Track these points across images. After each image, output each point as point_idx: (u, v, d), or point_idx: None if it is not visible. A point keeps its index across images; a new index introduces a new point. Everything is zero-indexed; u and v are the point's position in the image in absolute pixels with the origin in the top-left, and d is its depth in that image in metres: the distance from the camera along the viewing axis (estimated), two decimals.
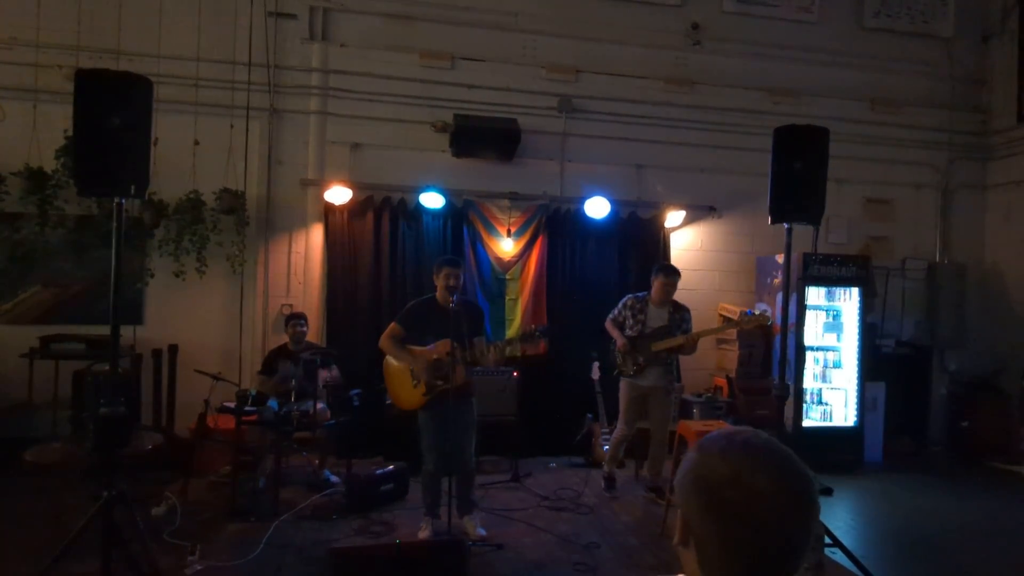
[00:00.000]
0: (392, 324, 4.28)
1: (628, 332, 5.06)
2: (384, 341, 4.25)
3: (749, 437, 1.02)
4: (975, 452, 6.67)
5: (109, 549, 3.15)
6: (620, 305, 5.19)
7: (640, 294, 5.17)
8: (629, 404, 5.10)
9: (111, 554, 3.16)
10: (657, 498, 5.01)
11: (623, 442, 5.25)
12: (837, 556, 3.79)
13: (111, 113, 3.20)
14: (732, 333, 6.58)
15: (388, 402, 5.60)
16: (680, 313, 5.09)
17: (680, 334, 4.96)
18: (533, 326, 4.53)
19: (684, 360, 6.55)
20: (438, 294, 4.29)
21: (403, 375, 4.22)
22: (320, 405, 4.91)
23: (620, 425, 5.19)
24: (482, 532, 4.26)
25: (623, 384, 5.12)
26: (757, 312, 5.01)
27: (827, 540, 3.71)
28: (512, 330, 6.22)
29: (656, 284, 5.03)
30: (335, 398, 5.11)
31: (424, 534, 4.17)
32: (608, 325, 5.20)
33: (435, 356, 4.13)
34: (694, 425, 4.72)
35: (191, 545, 3.78)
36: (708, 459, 0.99)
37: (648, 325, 5.03)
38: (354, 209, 6.11)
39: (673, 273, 5.08)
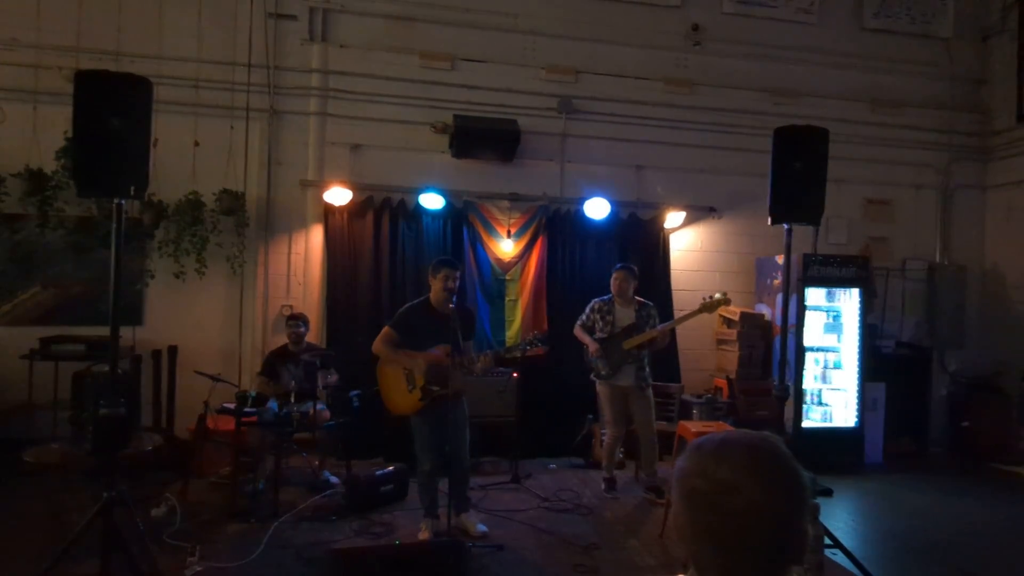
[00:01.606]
0: (386, 328, 4.26)
1: (599, 334, 5.14)
2: (378, 345, 4.23)
3: (733, 436, 1.06)
4: (975, 453, 6.66)
5: (109, 550, 3.15)
6: (588, 309, 5.29)
7: (605, 296, 5.27)
8: (611, 406, 5.16)
9: (111, 555, 3.16)
10: (656, 498, 5.01)
11: (616, 444, 5.29)
12: (838, 557, 3.79)
13: (111, 114, 3.21)
14: (732, 334, 6.58)
15: None
16: (646, 310, 5.20)
17: (648, 329, 5.05)
18: (534, 333, 4.53)
19: (684, 361, 6.59)
20: (432, 296, 4.27)
21: (398, 380, 4.21)
22: (320, 406, 4.91)
23: (609, 428, 5.23)
24: (482, 529, 4.27)
25: (601, 387, 5.20)
26: (717, 296, 5.12)
27: (827, 541, 3.70)
28: (512, 331, 6.22)
29: (612, 280, 5.20)
30: (335, 399, 5.11)
31: (424, 535, 4.17)
32: (577, 331, 5.27)
33: (432, 361, 4.12)
34: (694, 426, 4.72)
35: (191, 546, 3.78)
36: (687, 455, 1.06)
37: (617, 325, 5.12)
38: (354, 210, 6.11)
39: (624, 269, 5.22)
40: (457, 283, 4.23)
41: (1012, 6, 7.33)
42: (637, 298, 5.23)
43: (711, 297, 5.14)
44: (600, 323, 5.18)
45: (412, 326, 4.21)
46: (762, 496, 0.96)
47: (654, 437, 5.15)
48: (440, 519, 4.19)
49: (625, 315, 5.16)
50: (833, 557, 3.81)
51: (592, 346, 5.11)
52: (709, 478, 0.99)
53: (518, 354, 4.58)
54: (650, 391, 5.20)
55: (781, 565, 0.98)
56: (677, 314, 6.40)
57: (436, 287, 4.23)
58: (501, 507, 4.81)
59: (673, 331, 6.11)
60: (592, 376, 5.26)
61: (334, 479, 5.08)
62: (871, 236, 7.31)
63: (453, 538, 3.90)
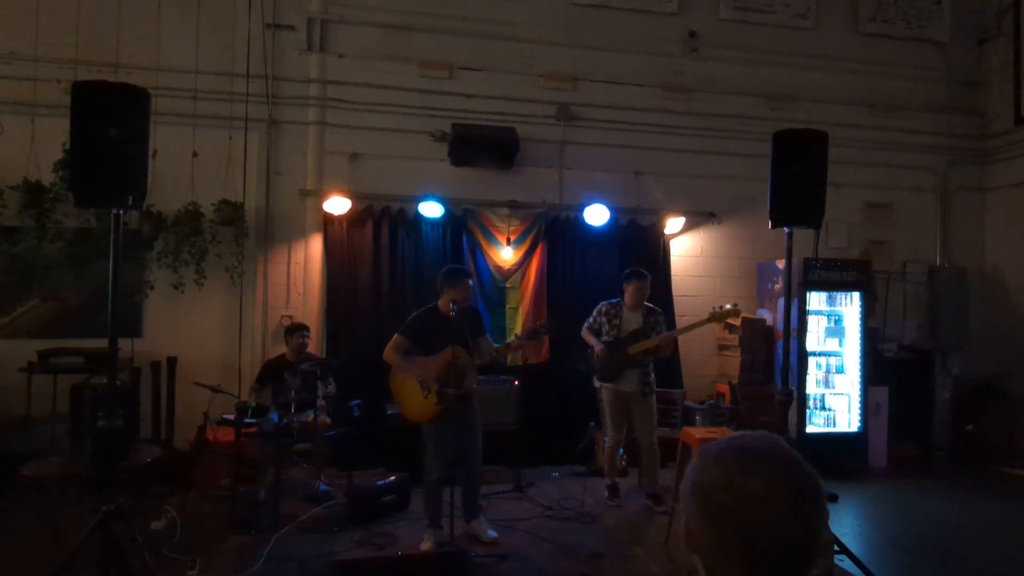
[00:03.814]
0: (396, 336, 4.25)
1: (604, 337, 5.12)
2: (388, 354, 4.22)
3: (748, 441, 1.01)
4: (979, 456, 6.63)
5: (108, 564, 3.12)
6: (595, 312, 5.26)
7: (613, 300, 5.23)
8: (613, 410, 5.13)
9: (110, 569, 3.13)
10: (654, 505, 4.98)
11: (616, 449, 5.26)
12: (844, 563, 3.75)
13: (109, 125, 3.20)
14: (734, 339, 6.56)
15: (389, 412, 5.59)
16: (654, 316, 5.15)
17: (655, 335, 5.00)
18: (539, 322, 4.52)
19: (686, 367, 6.56)
20: (441, 303, 4.26)
21: (412, 387, 4.20)
22: (320, 416, 4.88)
23: (610, 432, 5.20)
24: (493, 534, 4.26)
25: (604, 391, 5.17)
26: (728, 306, 5.05)
27: (834, 547, 3.67)
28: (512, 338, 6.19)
29: (630, 290, 5.10)
30: (335, 409, 5.08)
31: (426, 546, 4.13)
32: (584, 333, 5.25)
33: (442, 364, 4.12)
34: (697, 432, 4.69)
35: (191, 559, 3.74)
36: (705, 464, 1.00)
37: (624, 329, 5.08)
38: (353, 219, 6.11)
39: (644, 277, 5.15)
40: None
41: (1008, 9, 7.36)
42: (646, 303, 5.18)
43: (721, 307, 5.09)
44: (606, 326, 5.14)
45: (422, 332, 4.22)
46: (792, 506, 0.93)
47: (654, 445, 5.10)
48: (443, 529, 4.15)
49: (632, 320, 5.11)
50: (840, 563, 3.77)
51: (597, 347, 5.08)
52: (737, 492, 0.94)
53: (520, 353, 4.56)
54: (653, 398, 5.15)
55: (802, 572, 0.95)
56: (678, 320, 6.40)
57: (456, 296, 4.19)
58: (504, 516, 4.78)
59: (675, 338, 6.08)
60: (595, 379, 5.23)
61: (323, 487, 5.02)
62: (871, 240, 7.31)
63: (456, 548, 3.87)
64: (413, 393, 4.19)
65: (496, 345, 4.48)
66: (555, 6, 6.67)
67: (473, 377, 4.21)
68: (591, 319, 5.26)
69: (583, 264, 6.52)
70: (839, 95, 7.19)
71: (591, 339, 5.17)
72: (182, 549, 3.94)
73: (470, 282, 4.34)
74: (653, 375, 5.16)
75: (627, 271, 5.24)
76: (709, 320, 5.14)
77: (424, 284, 6.14)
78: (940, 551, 4.45)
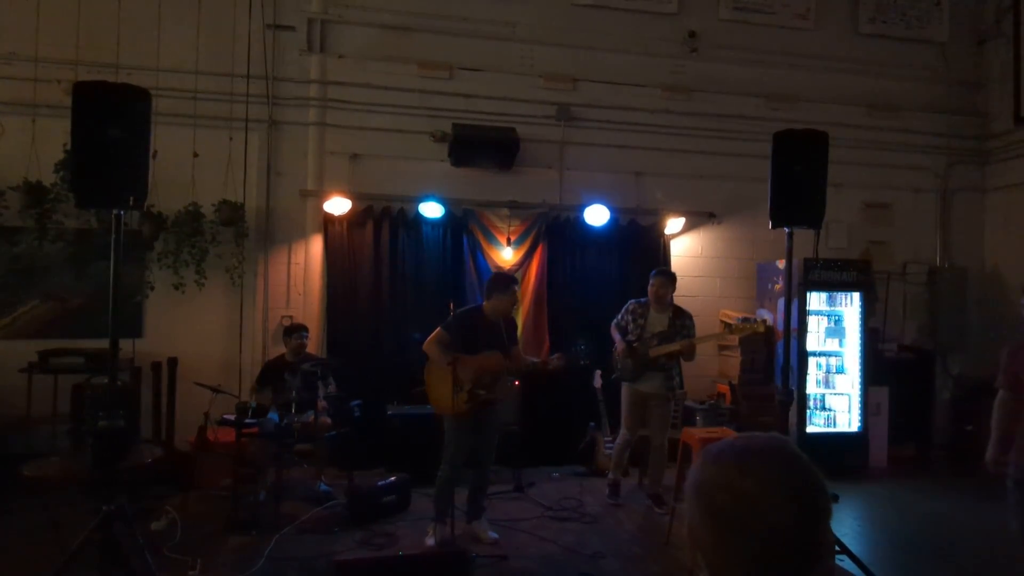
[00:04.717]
0: (438, 330, 4.29)
1: (628, 337, 5.07)
2: (429, 346, 4.27)
3: (750, 442, 1.01)
4: (979, 456, 6.59)
5: (108, 564, 3.12)
6: (623, 310, 5.22)
7: (643, 299, 5.17)
8: (630, 409, 5.09)
9: (110, 569, 3.13)
10: (656, 507, 4.97)
11: (626, 448, 5.23)
12: (845, 563, 3.75)
13: (110, 125, 3.20)
14: (734, 339, 6.55)
15: (389, 412, 5.60)
16: (681, 319, 5.06)
17: (680, 339, 4.94)
18: (582, 346, 4.55)
19: (686, 367, 6.48)
20: (490, 306, 4.30)
21: (446, 382, 4.20)
22: (321, 416, 4.88)
23: (622, 431, 5.19)
24: (494, 535, 4.27)
25: (624, 389, 5.13)
26: (756, 319, 5.04)
27: (835, 547, 3.67)
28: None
29: (649, 287, 5.08)
30: (336, 409, 5.08)
31: (430, 540, 4.14)
32: (612, 329, 5.22)
33: (480, 366, 4.16)
34: (698, 432, 4.70)
35: (192, 560, 3.75)
36: (705, 465, 1.01)
37: (648, 330, 5.03)
38: (353, 219, 6.11)
39: (665, 275, 5.10)
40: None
41: (1007, 10, 7.36)
42: (675, 305, 5.13)
43: (745, 320, 5.09)
44: (631, 325, 5.09)
45: (464, 330, 4.24)
46: (789, 506, 0.93)
47: (664, 446, 5.07)
48: (447, 525, 4.14)
49: (658, 321, 5.03)
50: (840, 563, 3.77)
51: (619, 346, 5.05)
52: (734, 492, 0.94)
53: (577, 359, 4.56)
54: (673, 403, 5.11)
55: (804, 572, 0.95)
56: None
57: (504, 302, 4.27)
58: (504, 516, 4.78)
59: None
60: (612, 377, 5.21)
61: (325, 487, 5.03)
62: (871, 240, 7.31)
63: (457, 548, 3.87)
64: (445, 387, 4.19)
65: (533, 360, 4.57)
66: (555, 6, 6.67)
67: (505, 384, 4.28)
68: (619, 315, 5.21)
69: (583, 264, 6.52)
70: (839, 95, 7.19)
71: (616, 337, 5.14)
72: (182, 549, 3.94)
73: (516, 289, 4.42)
74: (678, 378, 5.12)
75: (654, 270, 5.20)
76: (732, 332, 5.17)
77: (424, 284, 6.16)
78: (941, 551, 4.45)
